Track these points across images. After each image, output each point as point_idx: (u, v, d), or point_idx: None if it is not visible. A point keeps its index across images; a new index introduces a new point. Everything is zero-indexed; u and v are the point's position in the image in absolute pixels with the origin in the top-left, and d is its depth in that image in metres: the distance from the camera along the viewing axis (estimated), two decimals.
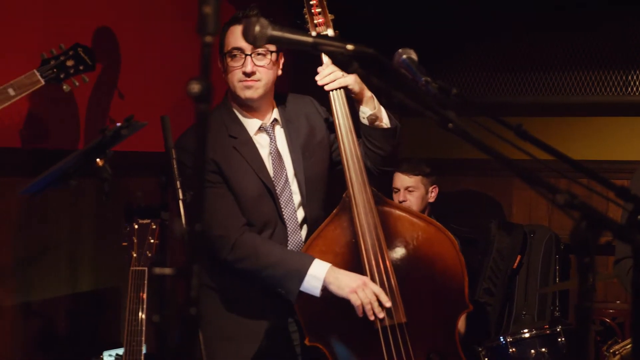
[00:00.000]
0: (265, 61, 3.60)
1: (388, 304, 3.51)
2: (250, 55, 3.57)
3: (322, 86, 3.67)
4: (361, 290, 3.47)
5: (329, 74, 3.65)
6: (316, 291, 3.48)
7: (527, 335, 4.76)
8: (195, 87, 1.48)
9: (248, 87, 3.60)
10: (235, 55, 3.59)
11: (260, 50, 3.56)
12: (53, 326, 4.43)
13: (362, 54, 2.14)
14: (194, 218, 1.50)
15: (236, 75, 3.60)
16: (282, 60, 3.70)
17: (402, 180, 5.29)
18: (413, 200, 5.27)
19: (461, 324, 4.96)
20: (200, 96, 1.47)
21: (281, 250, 3.58)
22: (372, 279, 3.54)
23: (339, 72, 3.62)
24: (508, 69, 6.30)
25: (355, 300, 3.46)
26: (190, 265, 1.47)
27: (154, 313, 2.86)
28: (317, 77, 3.68)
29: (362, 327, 3.54)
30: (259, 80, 3.60)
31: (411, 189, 5.28)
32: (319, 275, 3.48)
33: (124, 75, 4.68)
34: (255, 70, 3.58)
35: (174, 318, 2.62)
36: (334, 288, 3.48)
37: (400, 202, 5.21)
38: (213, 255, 3.55)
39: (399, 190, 5.30)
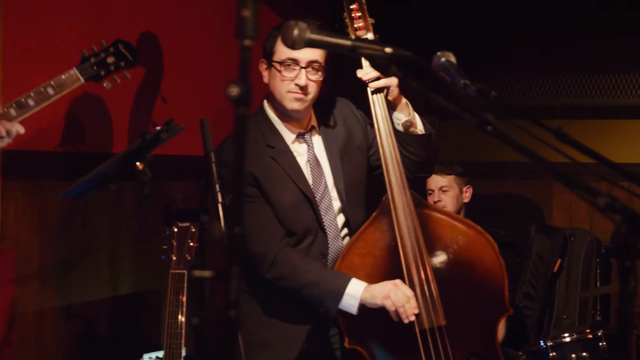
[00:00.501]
0: (317, 76, 3.61)
1: (416, 310, 3.50)
2: (305, 68, 3.57)
3: (366, 85, 3.65)
4: (393, 293, 3.47)
5: (372, 72, 3.64)
6: (353, 309, 3.50)
7: (567, 339, 4.73)
8: (234, 90, 1.49)
9: (297, 100, 3.60)
10: (289, 65, 3.58)
11: (314, 65, 3.57)
12: (94, 328, 4.47)
13: (401, 57, 2.15)
14: (234, 221, 1.51)
15: (287, 86, 3.59)
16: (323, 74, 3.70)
17: (435, 180, 5.28)
18: (447, 200, 5.26)
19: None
20: (239, 99, 1.48)
21: (319, 269, 3.59)
22: (411, 282, 3.54)
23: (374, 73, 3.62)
24: (549, 71, 6.26)
25: (389, 305, 3.47)
26: (229, 268, 1.47)
27: (194, 316, 2.87)
28: (360, 74, 3.66)
29: (401, 330, 3.53)
30: (309, 94, 3.61)
31: (445, 189, 5.27)
32: (356, 294, 3.49)
33: (163, 79, 4.71)
34: (308, 83, 3.59)
35: (214, 321, 2.62)
36: (369, 302, 3.49)
37: (435, 202, 5.19)
38: (252, 270, 3.56)
39: (433, 191, 5.29)
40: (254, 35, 1.51)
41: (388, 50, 2.13)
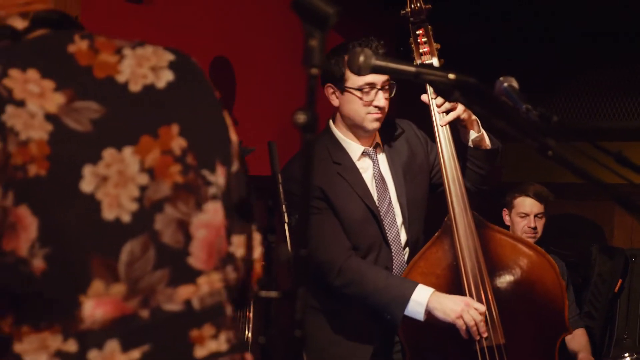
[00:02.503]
0: (388, 94, 3.63)
1: (484, 331, 3.49)
2: (382, 89, 3.59)
3: (433, 119, 3.68)
4: (466, 313, 3.45)
5: (443, 106, 3.66)
6: (419, 316, 3.48)
7: (628, 359, 4.67)
8: (301, 118, 1.49)
9: (377, 120, 3.63)
10: (367, 91, 3.60)
11: (388, 84, 3.59)
12: None
13: (464, 83, 2.14)
14: (300, 243, 1.52)
15: (366, 108, 3.61)
16: None
17: (532, 206, 5.14)
18: (540, 227, 5.14)
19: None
20: (306, 126, 1.48)
21: (386, 276, 3.58)
22: None
23: (447, 104, 3.64)
24: (612, 94, 6.21)
25: (461, 325, 3.46)
26: (296, 289, 1.48)
27: (260, 334, 2.87)
28: (437, 117, 3.67)
29: (462, 348, 3.52)
30: (385, 112, 3.64)
31: (540, 216, 5.15)
32: (422, 300, 3.48)
33: (235, 102, 4.75)
34: (385, 105, 3.62)
35: (279, 340, 2.62)
36: (439, 314, 3.47)
37: (530, 227, 5.10)
38: (319, 279, 3.57)
39: (527, 215, 5.13)
40: (320, 64, 1.52)
41: (451, 76, 2.12)
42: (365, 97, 3.60)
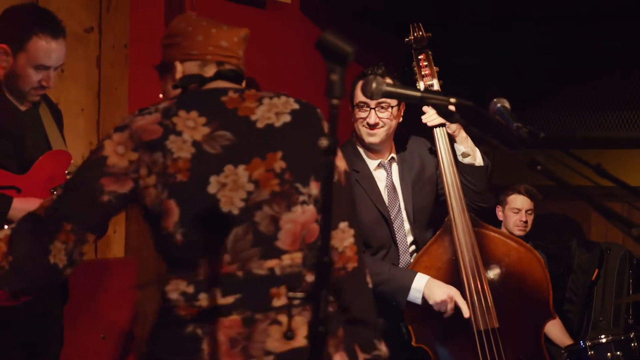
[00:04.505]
0: (386, 114, 3.61)
1: (467, 315, 3.50)
2: (374, 109, 3.59)
3: (426, 123, 3.70)
4: (445, 305, 3.49)
5: (432, 114, 3.68)
6: (418, 301, 3.52)
7: (604, 340, 4.65)
8: (324, 143, 1.51)
9: (371, 135, 3.63)
10: (362, 107, 3.62)
11: (383, 104, 3.58)
12: None
13: (463, 105, 2.14)
14: (323, 251, 1.52)
15: (362, 123, 3.64)
16: (403, 109, 3.71)
17: (523, 202, 5.14)
18: (529, 222, 5.14)
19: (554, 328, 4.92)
20: (328, 150, 1.50)
21: (389, 269, 3.59)
22: (470, 290, 3.54)
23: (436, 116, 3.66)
24: (588, 107, 6.20)
25: (436, 309, 3.51)
26: (319, 291, 1.49)
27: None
28: (424, 118, 3.70)
29: (460, 331, 3.53)
30: (381, 128, 3.62)
31: (530, 212, 5.16)
32: (419, 287, 3.51)
33: None
34: (378, 121, 3.61)
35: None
36: (427, 298, 3.51)
37: (522, 221, 5.10)
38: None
39: (519, 210, 5.13)
40: (340, 95, 1.53)
41: (452, 100, 2.12)
42: (359, 112, 3.63)
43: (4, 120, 3.25)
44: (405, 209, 3.71)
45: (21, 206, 3.15)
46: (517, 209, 5.14)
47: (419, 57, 3.79)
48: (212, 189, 2.10)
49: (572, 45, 6.02)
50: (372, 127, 3.61)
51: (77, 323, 3.83)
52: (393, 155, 3.76)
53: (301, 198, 2.18)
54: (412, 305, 3.54)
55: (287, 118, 2.23)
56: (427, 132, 3.75)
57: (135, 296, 4.23)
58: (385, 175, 3.72)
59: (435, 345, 3.59)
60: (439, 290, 3.50)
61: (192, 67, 2.28)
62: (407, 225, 3.71)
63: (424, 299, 3.50)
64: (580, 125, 6.27)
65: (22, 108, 3.36)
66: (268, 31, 4.99)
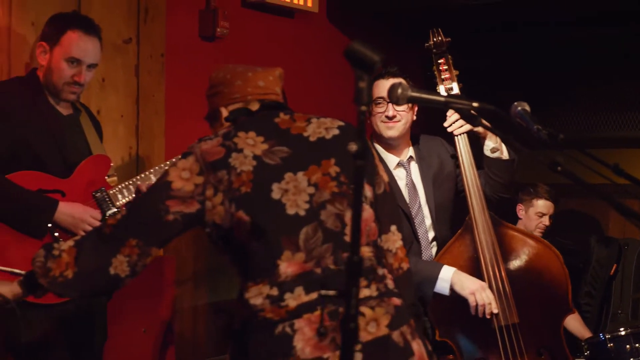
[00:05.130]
0: (403, 107, 3.61)
1: (496, 310, 3.47)
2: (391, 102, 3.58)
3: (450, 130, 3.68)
4: (479, 293, 3.45)
5: (455, 121, 3.65)
6: (445, 291, 3.48)
7: (622, 332, 4.60)
8: (353, 147, 1.51)
9: (390, 128, 3.61)
10: (379, 103, 3.61)
11: None
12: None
13: (485, 109, 2.13)
14: (353, 250, 1.52)
15: (380, 118, 3.61)
16: (415, 107, 3.70)
17: (549, 207, 5.11)
18: (550, 224, 5.14)
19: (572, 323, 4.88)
20: (358, 154, 1.50)
21: (415, 262, 3.57)
22: (490, 287, 3.51)
23: (459, 120, 3.63)
24: (606, 108, 6.15)
25: (472, 301, 3.45)
26: (350, 289, 1.49)
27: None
28: (446, 125, 3.68)
29: (481, 326, 3.50)
30: (398, 121, 3.61)
31: (552, 216, 5.16)
32: (447, 278, 3.48)
33: None
34: (396, 114, 3.60)
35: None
36: (457, 288, 3.46)
37: (544, 225, 5.07)
38: None
39: (544, 215, 5.10)
40: (368, 102, 1.53)
41: (475, 104, 2.12)
42: (377, 108, 3.61)
43: (49, 124, 3.28)
44: (427, 205, 3.69)
45: (66, 210, 3.18)
46: (542, 214, 5.11)
47: (439, 61, 3.77)
48: (275, 195, 2.20)
49: (589, 46, 5.97)
50: (391, 119, 3.59)
51: (119, 318, 3.86)
52: (411, 154, 3.74)
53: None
54: (436, 299, 3.51)
55: (336, 132, 2.36)
56: (443, 131, 3.75)
57: (174, 293, 4.25)
58: (404, 173, 3.71)
59: (458, 340, 3.57)
60: (470, 281, 3.48)
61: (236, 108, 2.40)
62: (427, 222, 3.69)
63: (451, 289, 3.47)
64: (598, 125, 6.22)
65: (64, 113, 3.39)
66: (296, 39, 4.99)
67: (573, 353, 3.75)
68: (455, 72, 3.77)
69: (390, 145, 3.69)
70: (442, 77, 3.77)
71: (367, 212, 2.30)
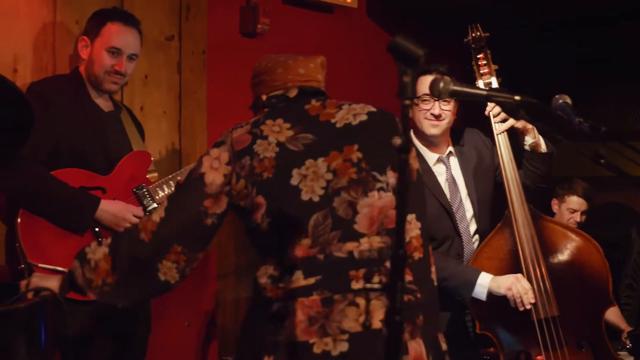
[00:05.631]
0: (449, 106, 3.60)
1: (533, 299, 3.45)
2: (438, 100, 3.57)
3: (493, 128, 3.66)
4: (514, 286, 3.44)
5: (497, 115, 3.63)
6: (483, 297, 3.49)
7: None
8: (398, 141, 1.50)
9: (434, 126, 3.61)
10: (425, 100, 3.59)
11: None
12: None
13: (527, 102, 2.12)
14: (397, 244, 1.52)
15: (424, 115, 3.60)
16: (456, 107, 3.68)
17: (581, 204, 5.06)
18: (582, 220, 5.08)
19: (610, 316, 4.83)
20: (401, 148, 1.49)
21: (454, 265, 3.57)
22: (529, 280, 3.49)
23: (502, 115, 3.61)
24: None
25: (510, 295, 3.44)
26: (395, 283, 1.49)
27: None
28: (496, 127, 3.64)
29: (522, 319, 3.49)
30: (443, 120, 3.60)
31: (584, 212, 5.11)
32: (484, 283, 3.48)
33: None
34: (441, 112, 3.59)
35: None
36: (495, 290, 3.47)
37: (576, 221, 5.02)
38: None
39: (575, 211, 5.06)
40: (412, 96, 1.52)
41: (517, 97, 2.10)
42: (422, 104, 3.59)
43: (91, 120, 3.31)
44: (469, 199, 3.68)
45: (108, 208, 3.21)
46: (573, 210, 5.08)
47: (478, 56, 3.76)
48: (294, 181, 2.20)
49: (628, 41, 5.92)
50: (437, 117, 3.59)
51: (163, 312, 3.89)
52: (451, 149, 3.73)
53: (378, 185, 2.23)
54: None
55: (363, 117, 2.33)
56: (479, 125, 3.73)
57: (216, 287, 4.28)
58: (444, 169, 3.70)
59: (499, 333, 3.56)
60: (504, 278, 3.48)
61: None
62: (469, 216, 3.68)
63: (489, 294, 3.47)
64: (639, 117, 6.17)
65: (106, 109, 3.42)
66: (335, 35, 4.99)
67: (612, 346, 3.71)
68: (494, 67, 3.76)
69: (431, 142, 3.68)
70: (481, 71, 3.75)
71: (385, 199, 2.24)
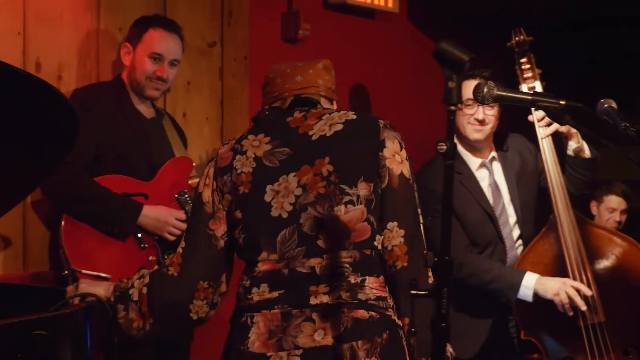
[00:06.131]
0: (492, 111, 3.59)
1: (589, 292, 3.42)
2: (482, 105, 3.54)
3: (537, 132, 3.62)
4: (562, 291, 3.40)
5: (541, 119, 3.59)
6: (529, 298, 3.46)
7: None
8: (443, 147, 1.49)
9: (477, 131, 3.59)
10: (469, 104, 3.57)
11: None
12: None
13: (573, 107, 2.09)
14: (443, 251, 1.51)
15: (468, 120, 3.59)
16: (500, 110, 3.66)
17: (619, 203, 5.06)
18: (623, 220, 5.07)
19: None
20: (447, 154, 1.48)
21: (498, 267, 3.55)
22: None
23: (546, 119, 3.57)
24: None
25: (558, 301, 3.40)
26: (440, 289, 1.47)
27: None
28: (540, 131, 3.61)
29: (567, 325, 3.45)
30: (487, 125, 3.58)
31: (624, 212, 5.09)
32: (530, 285, 3.45)
33: None
34: (485, 117, 3.57)
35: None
36: (541, 293, 3.43)
37: (615, 221, 5.01)
38: None
39: (614, 210, 5.06)
40: (457, 102, 1.51)
41: (562, 102, 2.08)
42: (467, 109, 3.58)
43: (133, 126, 3.34)
44: (512, 204, 3.66)
45: (150, 213, 3.22)
46: (612, 209, 5.06)
47: (521, 60, 3.74)
48: (268, 197, 2.22)
49: None
50: (480, 122, 3.56)
51: None
52: (494, 154, 3.70)
53: (346, 198, 2.18)
54: (520, 300, 3.48)
55: (339, 127, 2.26)
56: (522, 129, 3.70)
57: None
58: (487, 174, 3.67)
59: (543, 339, 3.53)
60: (552, 282, 3.44)
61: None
62: (512, 221, 3.66)
63: (534, 296, 3.44)
64: None
65: (148, 116, 3.44)
66: (377, 40, 4.98)
67: None
68: (537, 71, 3.74)
69: (474, 147, 3.66)
70: (525, 76, 3.74)
71: (351, 214, 2.18)
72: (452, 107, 1.50)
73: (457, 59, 1.52)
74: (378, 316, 2.16)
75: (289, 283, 2.17)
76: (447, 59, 1.53)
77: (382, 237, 2.22)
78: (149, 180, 3.31)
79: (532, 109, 3.57)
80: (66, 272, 3.11)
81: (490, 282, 3.49)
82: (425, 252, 2.22)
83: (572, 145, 3.63)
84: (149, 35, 3.33)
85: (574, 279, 3.46)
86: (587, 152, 3.63)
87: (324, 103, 2.39)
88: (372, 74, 4.87)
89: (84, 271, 3.08)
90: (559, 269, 3.50)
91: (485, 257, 3.58)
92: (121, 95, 3.35)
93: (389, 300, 2.21)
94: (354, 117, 2.28)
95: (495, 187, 3.66)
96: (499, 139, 3.75)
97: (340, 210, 2.16)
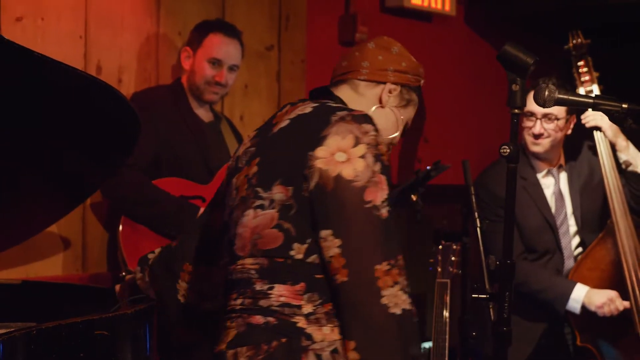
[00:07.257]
0: (552, 125, 3.50)
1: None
2: (541, 119, 3.48)
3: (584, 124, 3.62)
4: (607, 306, 3.39)
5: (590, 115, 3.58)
6: (577, 310, 3.44)
7: None
8: (506, 150, 1.47)
9: (535, 144, 3.54)
10: (529, 117, 3.51)
11: (549, 116, 3.47)
12: None
13: (636, 111, 2.05)
14: (506, 254, 1.49)
15: (527, 132, 3.54)
16: (573, 122, 3.58)
17: None
18: None
19: None
20: (510, 157, 1.46)
21: (549, 277, 3.51)
22: (633, 292, 3.42)
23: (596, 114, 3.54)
24: None
25: (601, 314, 3.41)
26: (503, 293, 1.46)
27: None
28: (583, 118, 3.61)
29: (624, 332, 3.43)
30: (545, 138, 3.51)
31: None
32: (578, 298, 3.43)
33: (426, 122, 4.73)
34: (543, 132, 3.50)
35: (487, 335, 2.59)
36: (587, 305, 3.42)
37: None
38: None
39: None
40: (521, 105, 1.49)
41: (625, 105, 2.03)
42: (526, 121, 3.53)
43: (191, 129, 3.36)
44: (574, 214, 3.61)
45: None
46: None
47: (579, 63, 3.72)
48: (226, 199, 2.09)
49: None
50: (537, 137, 3.51)
51: None
52: (562, 163, 3.65)
53: (257, 202, 1.93)
54: None
55: (285, 123, 1.98)
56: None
57: None
58: (552, 182, 3.62)
59: (600, 345, 3.50)
60: (598, 295, 3.42)
61: None
62: (572, 231, 3.61)
63: (582, 308, 3.42)
64: None
65: (206, 120, 3.46)
66: (434, 43, 4.95)
67: None
68: (595, 74, 3.70)
69: (538, 157, 3.60)
70: (582, 79, 3.70)
71: (260, 219, 1.92)
72: (516, 110, 1.47)
73: (522, 62, 1.50)
74: (276, 322, 1.91)
75: (224, 290, 2.07)
76: (512, 61, 1.51)
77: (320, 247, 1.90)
78: (206, 184, 3.33)
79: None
80: (123, 273, 3.14)
81: (539, 292, 3.47)
82: (486, 257, 2.02)
83: (621, 157, 3.58)
84: (209, 40, 3.35)
85: (632, 285, 3.43)
86: (637, 167, 3.58)
87: (366, 88, 2.10)
88: (429, 77, 4.81)
89: None
90: (615, 275, 3.47)
91: (539, 265, 3.53)
92: (180, 99, 3.38)
93: (303, 309, 1.91)
94: (310, 110, 1.97)
95: (559, 195, 3.61)
96: (571, 148, 3.69)
97: (249, 214, 1.94)
